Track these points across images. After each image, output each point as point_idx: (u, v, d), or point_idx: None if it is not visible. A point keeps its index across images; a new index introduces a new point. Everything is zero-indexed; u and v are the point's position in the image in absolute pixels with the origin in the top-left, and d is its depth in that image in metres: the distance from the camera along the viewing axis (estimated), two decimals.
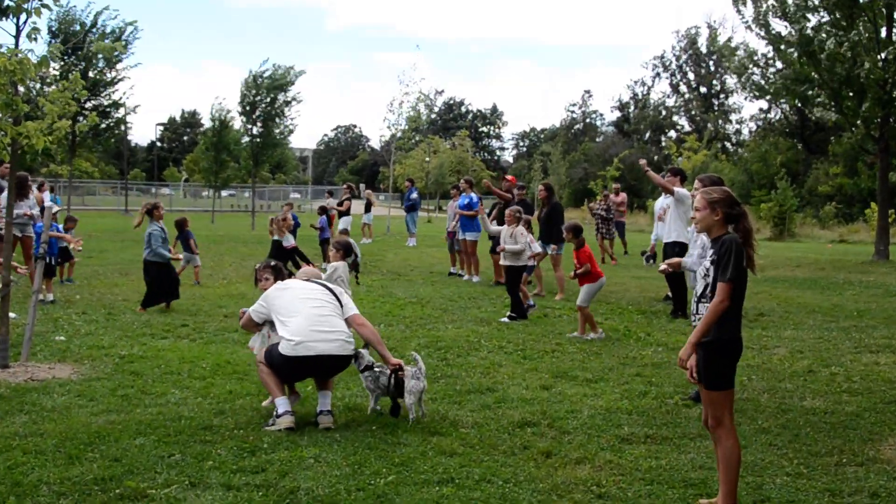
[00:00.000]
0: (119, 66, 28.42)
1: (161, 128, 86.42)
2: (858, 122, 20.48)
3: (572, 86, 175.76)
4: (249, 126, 32.99)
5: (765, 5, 20.98)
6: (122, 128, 32.86)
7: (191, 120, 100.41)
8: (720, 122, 66.13)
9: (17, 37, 6.74)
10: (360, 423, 5.67)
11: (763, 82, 22.83)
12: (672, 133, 68.26)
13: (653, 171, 10.38)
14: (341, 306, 5.88)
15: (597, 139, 74.88)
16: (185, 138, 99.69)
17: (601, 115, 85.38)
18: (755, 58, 23.16)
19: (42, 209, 10.70)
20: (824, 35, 19.08)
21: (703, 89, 69.64)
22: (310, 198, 65.99)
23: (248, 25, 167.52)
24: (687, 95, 70.67)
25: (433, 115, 74.35)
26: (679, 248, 9.89)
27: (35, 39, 6.84)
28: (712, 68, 68.05)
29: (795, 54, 20.49)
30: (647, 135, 69.42)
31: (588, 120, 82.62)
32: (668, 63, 70.83)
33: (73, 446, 4.97)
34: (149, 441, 5.12)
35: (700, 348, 4.07)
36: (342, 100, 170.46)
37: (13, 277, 7.48)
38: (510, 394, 6.52)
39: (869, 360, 8.05)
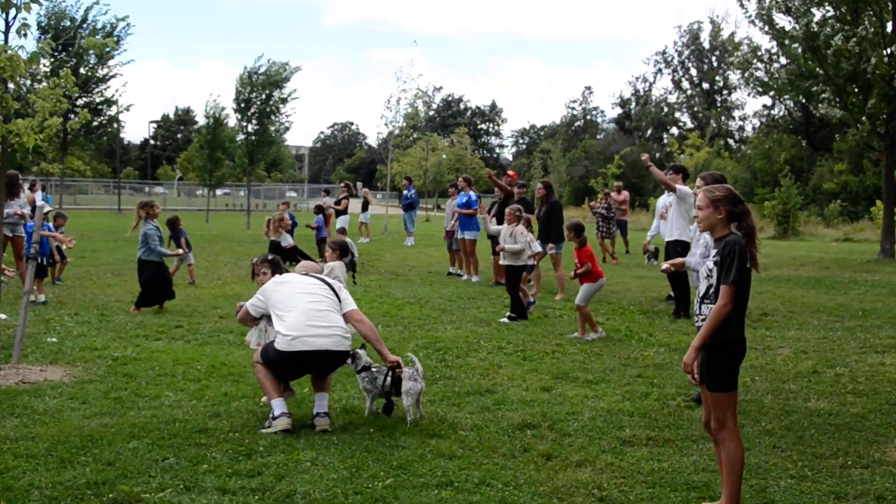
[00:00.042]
0: (111, 62, 28.47)
1: (154, 125, 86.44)
2: (864, 118, 20.50)
3: (572, 82, 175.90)
4: (244, 123, 32.99)
5: (768, 0, 20.98)
6: (115, 125, 32.87)
7: (185, 117, 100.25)
8: (723, 118, 66.14)
9: (6, 33, 6.74)
10: (358, 426, 5.67)
11: (767, 78, 22.85)
12: (674, 130, 68.31)
13: (655, 167, 10.39)
14: (339, 301, 5.88)
15: (598, 136, 74.91)
16: (179, 136, 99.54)
17: (602, 111, 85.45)
18: (759, 53, 23.17)
19: (33, 209, 10.69)
20: (829, 30, 19.09)
21: (705, 85, 69.67)
22: (306, 196, 65.93)
23: (243, 21, 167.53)
24: (689, 92, 70.70)
25: (431, 113, 74.30)
26: (681, 248, 9.90)
27: (25, 35, 6.84)
28: (715, 64, 68.08)
29: (800, 49, 20.50)
30: (649, 132, 69.44)
31: (589, 117, 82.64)
32: (669, 59, 70.87)
33: (66, 450, 4.96)
34: (142, 444, 5.12)
35: (703, 350, 4.08)
36: (339, 97, 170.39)
37: (2, 278, 7.48)
38: (510, 395, 6.52)
39: (874, 361, 8.05)
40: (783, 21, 21.21)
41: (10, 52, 6.54)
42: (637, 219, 36.91)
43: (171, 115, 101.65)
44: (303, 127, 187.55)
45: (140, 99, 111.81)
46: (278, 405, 5.54)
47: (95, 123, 28.68)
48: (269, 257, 6.50)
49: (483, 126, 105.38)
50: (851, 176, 41.38)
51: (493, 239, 11.74)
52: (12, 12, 6.66)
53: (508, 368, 7.56)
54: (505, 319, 10.19)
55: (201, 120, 38.85)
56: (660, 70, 71.81)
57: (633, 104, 73.24)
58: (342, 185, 23.72)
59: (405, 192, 24.81)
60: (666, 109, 70.85)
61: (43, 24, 26.65)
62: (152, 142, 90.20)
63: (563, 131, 76.53)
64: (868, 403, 6.42)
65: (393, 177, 42.65)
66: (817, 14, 20.28)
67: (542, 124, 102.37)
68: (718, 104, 68.14)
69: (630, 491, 4.52)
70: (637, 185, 49.18)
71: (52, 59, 26.15)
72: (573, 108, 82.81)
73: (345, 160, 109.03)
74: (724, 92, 68.66)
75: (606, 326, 9.54)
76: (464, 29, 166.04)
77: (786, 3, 20.48)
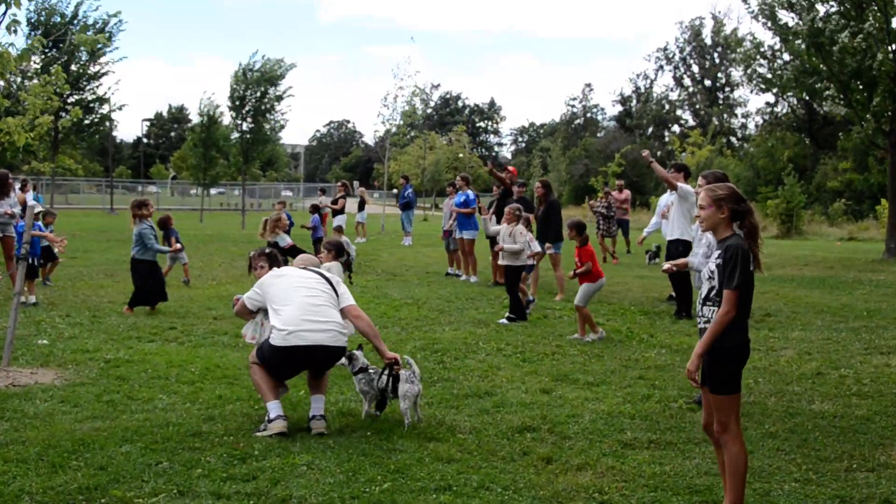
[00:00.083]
0: (103, 59, 28.44)
1: (147, 123, 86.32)
2: (868, 115, 20.52)
3: (572, 79, 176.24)
4: (239, 122, 32.99)
5: None
6: (107, 123, 32.83)
7: (178, 115, 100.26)
8: (725, 116, 66.20)
9: None
10: (355, 429, 5.66)
11: (770, 75, 22.86)
12: (675, 128, 68.34)
13: (657, 164, 10.38)
14: (337, 296, 5.87)
15: (598, 134, 74.96)
16: (173, 134, 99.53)
17: (602, 109, 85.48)
18: (762, 49, 23.18)
19: (24, 208, 10.67)
20: (834, 26, 19.10)
21: (707, 82, 69.69)
22: (302, 196, 65.95)
23: (237, 18, 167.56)
24: (691, 89, 70.73)
25: (429, 110, 74.34)
26: (682, 247, 9.90)
27: (15, 32, 6.83)
28: (717, 60, 68.13)
29: (803, 46, 20.51)
30: (650, 129, 69.49)
31: (589, 114, 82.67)
32: (671, 55, 70.90)
33: (57, 454, 4.95)
34: (135, 448, 5.11)
35: (706, 352, 4.08)
36: (335, 94, 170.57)
37: None
38: (509, 398, 6.52)
39: (880, 362, 8.06)
40: (786, 17, 21.24)
41: (0, 48, 6.53)
42: (638, 218, 36.92)
43: (165, 113, 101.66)
44: (298, 125, 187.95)
45: (133, 97, 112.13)
46: (274, 408, 5.53)
47: (87, 121, 28.63)
48: (267, 250, 6.52)
49: (481, 124, 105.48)
50: (856, 174, 41.42)
51: (492, 239, 11.72)
52: (1, 8, 6.65)
53: (507, 370, 7.55)
54: (504, 320, 10.18)
55: (195, 118, 38.92)
56: (661, 67, 71.87)
57: (634, 101, 73.26)
58: (339, 184, 23.70)
59: (402, 191, 24.78)
60: (667, 107, 70.87)
61: (33, 21, 26.61)
62: (145, 140, 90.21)
63: (563, 129, 76.56)
64: (873, 405, 6.43)
65: (390, 175, 42.61)
66: (821, 10, 20.29)
67: (542, 122, 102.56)
68: (721, 101, 68.17)
69: (631, 495, 4.51)
70: (638, 183, 49.21)
71: (43, 56, 26.11)
72: (573, 106, 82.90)
73: (341, 159, 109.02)
74: (727, 89, 68.69)
75: (607, 327, 9.54)
76: (462, 25, 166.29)
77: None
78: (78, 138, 30.92)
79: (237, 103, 32.29)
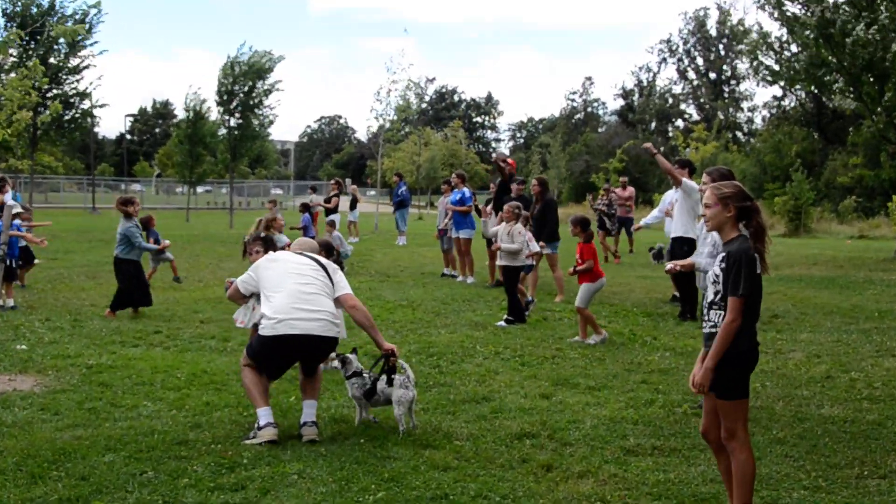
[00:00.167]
0: (83, 52, 28.37)
1: (131, 119, 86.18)
2: (879, 109, 20.56)
3: (572, 72, 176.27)
4: (227, 117, 32.94)
5: None
6: (89, 119, 32.78)
7: (163, 111, 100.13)
8: (731, 110, 66.34)
9: None
10: (348, 436, 5.66)
11: (777, 66, 22.89)
12: (679, 122, 68.55)
13: (662, 156, 10.32)
14: (332, 285, 5.86)
15: (599, 129, 75.08)
16: (157, 130, 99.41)
17: (603, 103, 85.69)
18: (769, 40, 23.20)
19: (1, 208, 10.63)
20: (846, 16, 19.12)
21: (712, 75, 69.87)
22: (292, 194, 65.95)
23: (223, 8, 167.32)
24: (695, 82, 70.89)
25: (424, 105, 74.27)
26: (687, 246, 9.89)
27: None
28: (722, 52, 68.29)
29: (812, 37, 20.54)
30: (653, 124, 69.63)
31: (589, 109, 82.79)
32: (674, 47, 71.08)
33: (36, 464, 4.94)
34: (119, 458, 5.10)
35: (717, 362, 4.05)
36: (326, 89, 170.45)
37: None
38: (507, 403, 6.53)
39: (891, 365, 8.08)
40: (794, 7, 21.26)
41: None
42: (640, 216, 36.93)
43: (149, 109, 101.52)
44: (288, 120, 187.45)
45: (116, 91, 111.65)
46: (264, 414, 5.53)
47: (67, 117, 28.54)
48: (262, 234, 6.52)
49: (478, 119, 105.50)
50: (867, 170, 41.44)
51: (489, 238, 11.70)
52: None
53: (506, 374, 7.56)
54: (502, 323, 10.19)
55: (181, 113, 38.90)
56: (664, 59, 72.08)
57: (637, 95, 73.42)
58: (333, 182, 23.69)
59: (396, 189, 24.76)
60: (671, 101, 71.04)
61: (8, 12, 26.54)
62: (129, 136, 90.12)
63: (563, 124, 76.71)
64: (885, 410, 6.44)
65: (384, 173, 42.61)
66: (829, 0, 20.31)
67: (541, 117, 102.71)
68: (726, 95, 68.35)
69: (634, 503, 4.52)
70: (641, 179, 49.32)
71: (20, 49, 26.03)
72: (573, 100, 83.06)
73: (333, 155, 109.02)
74: (732, 82, 68.91)
75: (609, 330, 9.55)
76: (457, 16, 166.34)
77: None
78: (58, 134, 30.83)
79: (225, 98, 32.26)
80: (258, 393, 5.61)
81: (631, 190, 20.89)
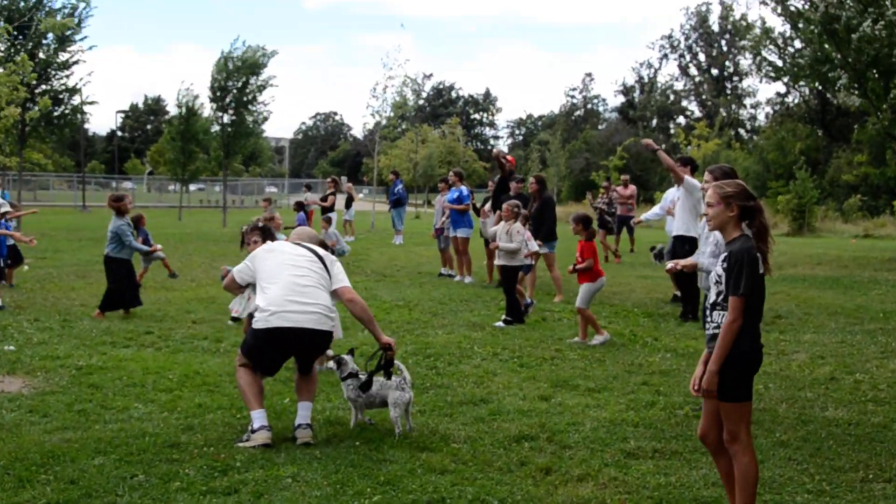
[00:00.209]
0: (72, 48, 28.27)
1: (122, 115, 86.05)
2: (885, 106, 20.59)
3: (572, 68, 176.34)
4: (220, 113, 32.88)
5: None
6: (79, 116, 32.70)
7: (155, 107, 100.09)
8: (733, 106, 66.42)
9: None
10: (343, 439, 5.66)
11: (781, 62, 22.90)
12: (681, 119, 68.57)
13: (664, 152, 10.32)
14: (330, 277, 5.84)
15: (599, 126, 75.14)
16: (149, 127, 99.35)
17: (604, 100, 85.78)
18: (772, 35, 23.21)
19: None
20: (851, 12, 19.14)
21: (714, 71, 69.95)
22: (286, 192, 65.91)
23: (218, 3, 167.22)
24: (697, 78, 70.99)
25: (421, 102, 74.29)
26: (688, 245, 9.90)
27: None
28: (725, 48, 68.36)
29: (816, 32, 20.56)
30: (654, 121, 69.71)
31: (589, 106, 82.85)
32: (676, 43, 71.14)
33: (24, 468, 4.93)
34: (109, 461, 5.09)
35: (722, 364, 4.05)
36: (322, 85, 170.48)
37: None
38: (506, 405, 6.53)
39: None
40: (798, 2, 21.28)
41: None
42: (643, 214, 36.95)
43: (140, 105, 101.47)
44: (283, 117, 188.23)
45: (107, 87, 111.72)
46: (258, 417, 5.52)
47: (57, 113, 28.43)
48: (261, 224, 6.52)
49: (476, 116, 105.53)
50: (872, 167, 41.49)
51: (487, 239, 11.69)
52: None
53: (504, 376, 7.56)
54: (500, 323, 10.19)
55: (173, 109, 38.80)
56: (665, 55, 72.14)
57: (637, 92, 73.47)
58: (329, 180, 23.66)
59: (393, 187, 24.76)
60: (672, 97, 71.12)
61: None
62: (120, 133, 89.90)
63: (563, 121, 76.69)
64: (890, 412, 6.45)
65: (380, 170, 42.59)
66: None
67: (540, 114, 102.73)
68: (728, 91, 68.42)
69: None
70: (642, 177, 49.35)
71: (8, 44, 25.96)
72: (573, 97, 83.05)
73: (328, 153, 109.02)
74: (735, 78, 68.96)
75: (609, 330, 9.54)
76: (455, 11, 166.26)
77: None
78: (47, 131, 30.71)
79: (218, 94, 32.20)
80: (253, 395, 5.61)
81: (633, 188, 20.90)
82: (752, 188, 4.31)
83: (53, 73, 28.22)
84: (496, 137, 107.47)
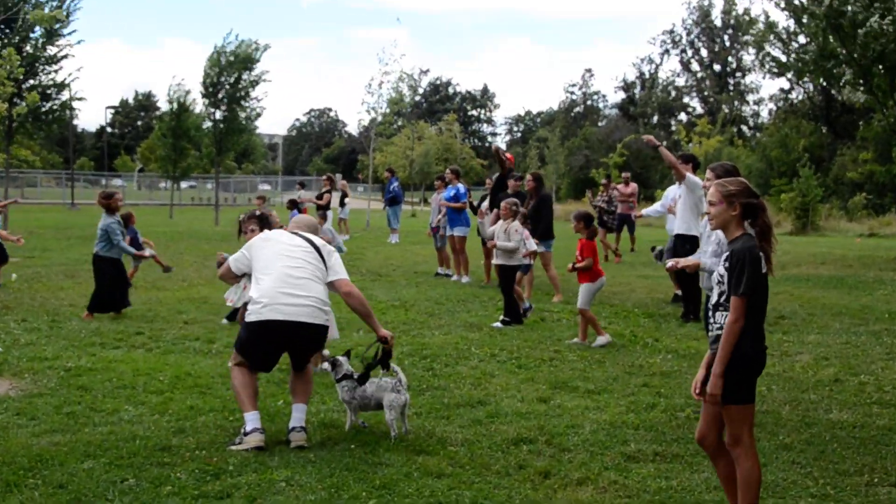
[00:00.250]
0: (60, 41, 28.23)
1: (112, 111, 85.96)
2: (891, 102, 20.61)
3: (572, 64, 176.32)
4: (212, 109, 32.85)
5: None
6: (67, 111, 32.64)
7: (145, 102, 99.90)
8: (736, 103, 66.49)
9: None
10: (338, 442, 5.66)
11: (784, 57, 22.92)
12: (682, 116, 68.60)
13: (665, 148, 10.29)
14: (326, 269, 5.82)
15: (599, 123, 75.16)
16: (140, 123, 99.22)
17: (604, 96, 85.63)
18: (776, 30, 23.23)
19: None
20: (857, 7, 19.15)
21: (716, 67, 69.98)
22: (280, 189, 65.92)
23: None
24: (699, 74, 71.01)
25: (417, 98, 74.29)
26: (689, 244, 9.89)
27: None
28: (727, 43, 68.38)
29: (821, 27, 20.58)
30: (655, 118, 69.72)
31: (589, 102, 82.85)
32: (677, 38, 71.15)
33: (12, 472, 4.92)
34: (99, 464, 5.09)
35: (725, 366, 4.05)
36: (316, 81, 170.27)
37: None
38: (504, 407, 6.53)
39: None
40: None
41: None
42: None
43: (131, 100, 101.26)
44: (276, 114, 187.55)
45: (96, 82, 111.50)
46: (251, 419, 5.52)
47: (45, 109, 28.39)
48: (258, 213, 6.52)
49: (474, 112, 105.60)
50: (877, 165, 41.55)
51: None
52: None
53: (502, 377, 7.56)
54: (498, 324, 10.19)
55: (164, 105, 38.71)
56: (667, 50, 72.13)
57: (638, 88, 73.48)
58: (324, 178, 23.65)
59: (388, 185, 24.74)
60: (674, 93, 71.13)
61: None
62: (109, 129, 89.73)
63: (562, 118, 76.69)
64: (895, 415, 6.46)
65: (375, 168, 42.57)
66: None
67: (539, 110, 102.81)
68: (731, 87, 68.47)
69: None
70: (642, 175, 49.34)
71: None
72: (572, 93, 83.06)
73: (322, 150, 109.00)
74: (738, 74, 69.01)
75: (609, 331, 9.55)
76: (452, 5, 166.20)
77: None
78: (35, 127, 30.67)
79: (210, 89, 32.17)
80: (247, 396, 5.60)
81: (634, 186, 20.90)
82: (754, 186, 4.32)
83: (41, 67, 28.19)
84: (494, 134, 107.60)
